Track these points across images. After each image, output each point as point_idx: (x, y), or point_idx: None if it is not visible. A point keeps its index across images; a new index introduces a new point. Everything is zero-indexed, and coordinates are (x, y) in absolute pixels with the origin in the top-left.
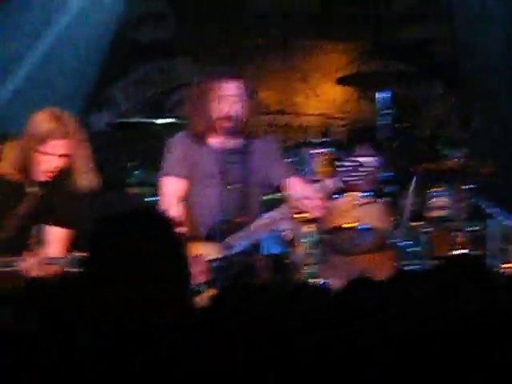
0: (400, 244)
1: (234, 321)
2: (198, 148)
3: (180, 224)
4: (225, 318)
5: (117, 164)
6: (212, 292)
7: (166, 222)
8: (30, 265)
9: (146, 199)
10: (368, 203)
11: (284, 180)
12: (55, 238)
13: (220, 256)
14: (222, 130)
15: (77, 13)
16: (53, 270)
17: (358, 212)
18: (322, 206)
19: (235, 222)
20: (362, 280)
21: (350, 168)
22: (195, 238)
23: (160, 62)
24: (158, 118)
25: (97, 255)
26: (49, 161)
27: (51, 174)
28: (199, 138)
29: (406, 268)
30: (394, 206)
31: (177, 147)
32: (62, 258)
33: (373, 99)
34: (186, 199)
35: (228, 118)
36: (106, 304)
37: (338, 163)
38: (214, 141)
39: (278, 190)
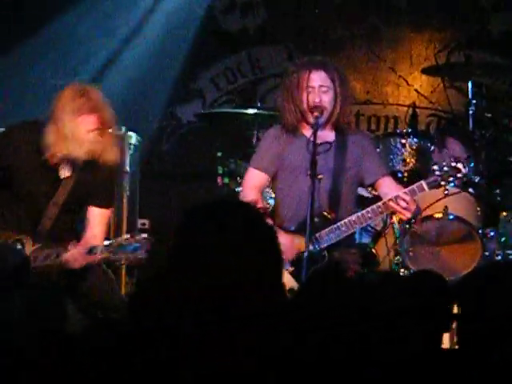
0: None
1: (320, 311)
2: (289, 139)
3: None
4: (312, 309)
5: (206, 154)
6: (299, 284)
7: (256, 213)
8: (72, 256)
9: (236, 189)
10: (456, 193)
11: (377, 179)
12: (96, 221)
13: (309, 249)
14: (311, 120)
15: (164, 4)
16: (95, 258)
17: (446, 202)
18: (412, 209)
19: (325, 216)
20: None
21: (446, 171)
22: (285, 229)
23: (248, 52)
24: (247, 108)
25: (186, 244)
26: (80, 137)
27: (85, 151)
28: (292, 129)
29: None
30: (483, 196)
31: (266, 140)
32: (102, 246)
33: (460, 89)
34: (277, 191)
35: (316, 108)
36: (192, 294)
37: (434, 167)
38: (307, 132)
39: (368, 186)
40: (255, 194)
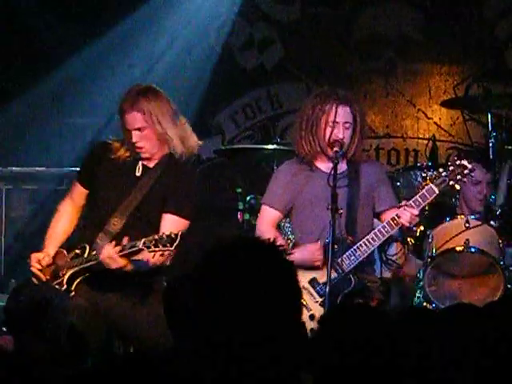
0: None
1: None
2: (305, 173)
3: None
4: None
5: (226, 190)
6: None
7: (276, 250)
8: (107, 253)
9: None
10: (478, 226)
11: (387, 208)
12: (166, 229)
13: (332, 277)
14: (330, 154)
15: (181, 41)
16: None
17: (467, 235)
18: (413, 215)
19: (343, 239)
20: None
21: (452, 170)
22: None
23: (267, 88)
24: (266, 143)
25: (206, 283)
26: (129, 136)
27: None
28: (307, 162)
29: None
30: (505, 228)
31: (280, 176)
32: (135, 245)
33: (479, 122)
34: (296, 224)
35: (337, 142)
36: (213, 332)
37: (440, 169)
38: (322, 165)
39: (376, 215)
40: (271, 230)
